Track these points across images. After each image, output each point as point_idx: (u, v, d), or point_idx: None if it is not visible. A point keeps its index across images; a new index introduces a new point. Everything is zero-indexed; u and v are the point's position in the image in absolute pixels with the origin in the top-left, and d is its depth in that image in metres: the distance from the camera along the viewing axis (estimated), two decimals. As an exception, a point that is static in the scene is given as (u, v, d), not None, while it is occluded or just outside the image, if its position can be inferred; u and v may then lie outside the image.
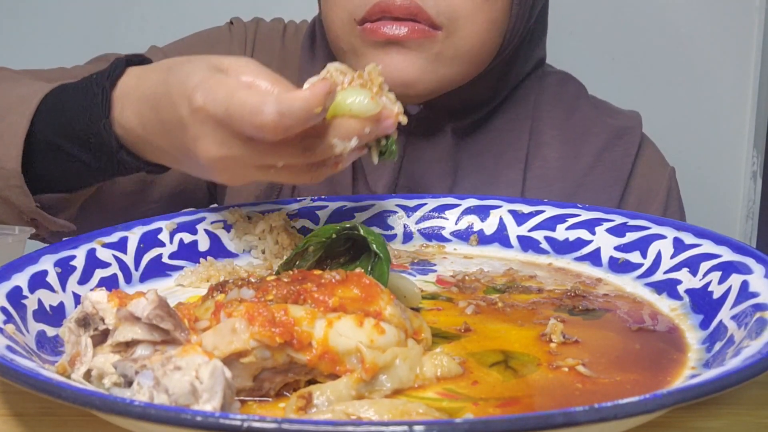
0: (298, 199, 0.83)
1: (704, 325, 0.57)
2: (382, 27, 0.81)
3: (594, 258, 0.73)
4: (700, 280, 0.62)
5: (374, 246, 0.62)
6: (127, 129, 0.71)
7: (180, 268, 0.72)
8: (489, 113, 0.98)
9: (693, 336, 0.56)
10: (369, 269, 0.63)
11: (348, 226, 0.65)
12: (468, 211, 0.82)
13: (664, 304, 0.63)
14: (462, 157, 0.97)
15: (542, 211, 0.79)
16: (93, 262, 0.66)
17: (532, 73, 1.02)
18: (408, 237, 0.81)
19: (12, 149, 0.75)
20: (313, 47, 1.01)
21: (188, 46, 1.05)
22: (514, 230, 0.79)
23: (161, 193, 0.99)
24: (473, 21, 0.84)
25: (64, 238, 0.89)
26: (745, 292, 0.56)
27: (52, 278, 0.61)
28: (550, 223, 0.78)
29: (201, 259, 0.74)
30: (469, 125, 0.97)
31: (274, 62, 1.04)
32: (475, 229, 0.80)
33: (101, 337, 0.49)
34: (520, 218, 0.79)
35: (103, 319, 0.49)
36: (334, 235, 0.65)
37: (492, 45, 0.89)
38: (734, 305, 0.56)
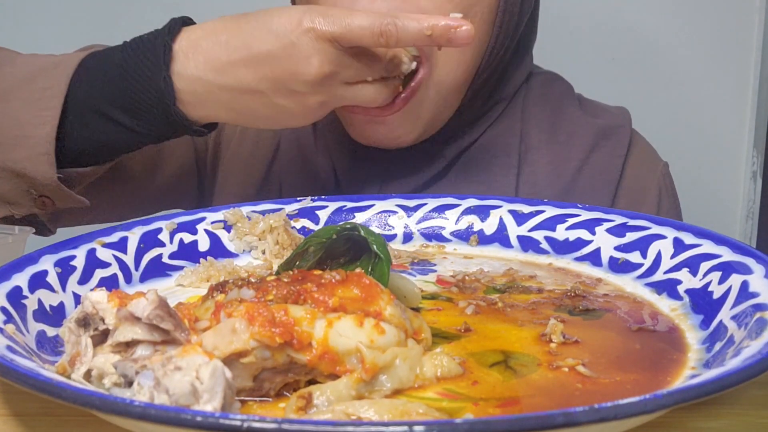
0: (298, 199, 0.83)
1: (704, 325, 0.57)
2: None
3: (594, 258, 0.73)
4: (700, 280, 0.62)
5: (375, 247, 0.62)
6: (191, 79, 0.73)
7: (180, 268, 0.72)
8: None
9: (693, 336, 0.56)
10: (369, 270, 0.63)
11: (348, 226, 0.65)
12: (468, 211, 0.82)
13: (664, 304, 0.63)
14: (453, 167, 0.96)
15: (542, 211, 0.79)
16: (93, 262, 0.66)
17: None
18: (408, 237, 0.81)
19: (47, 113, 0.73)
20: None
21: None
22: (514, 230, 0.79)
23: (153, 191, 0.99)
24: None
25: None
26: (745, 292, 0.56)
27: (52, 278, 0.61)
28: (550, 223, 0.78)
29: (201, 259, 0.74)
30: (462, 146, 0.96)
31: None
32: (475, 229, 0.80)
33: (101, 337, 0.49)
34: (520, 218, 0.79)
35: (103, 319, 0.49)
36: (334, 236, 0.65)
37: (468, 67, 0.88)
38: (734, 305, 0.56)
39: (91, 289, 0.55)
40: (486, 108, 0.97)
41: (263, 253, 0.76)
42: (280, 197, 0.96)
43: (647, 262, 0.68)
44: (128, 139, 0.77)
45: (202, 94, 0.74)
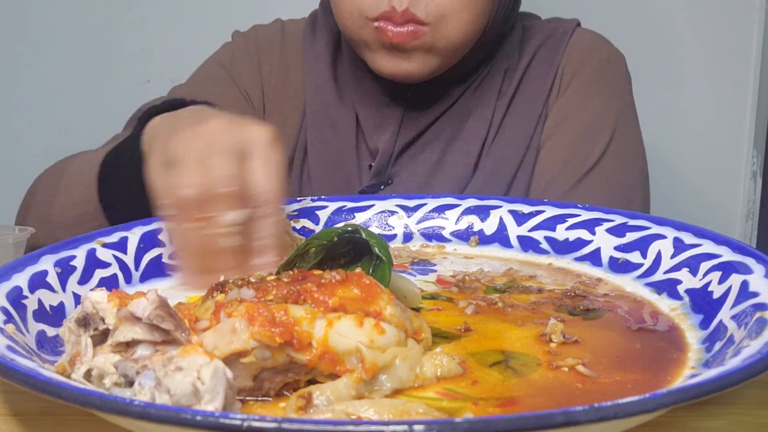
0: (298, 199, 0.83)
1: (704, 324, 0.57)
2: (387, 27, 0.94)
3: (594, 258, 0.73)
4: (700, 280, 0.62)
5: (376, 249, 0.62)
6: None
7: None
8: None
9: (693, 336, 0.56)
10: (370, 272, 0.63)
11: (350, 228, 0.65)
12: (468, 211, 0.82)
13: (664, 304, 0.63)
14: (454, 105, 1.07)
15: (542, 211, 0.79)
16: (93, 262, 0.66)
17: (522, 26, 1.11)
18: (408, 237, 0.81)
19: (88, 190, 0.86)
20: (313, 37, 1.11)
21: (211, 77, 1.12)
22: (514, 230, 0.79)
23: None
24: (459, 18, 0.95)
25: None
26: (745, 292, 0.56)
27: (52, 278, 0.61)
28: (550, 223, 0.78)
29: None
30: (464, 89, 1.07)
31: (275, 63, 1.11)
32: (475, 229, 0.80)
33: (101, 337, 0.49)
34: (520, 218, 0.79)
35: (103, 319, 0.49)
36: (335, 238, 0.65)
37: (476, 32, 0.99)
38: (734, 305, 0.56)
39: (91, 289, 0.55)
40: (481, 57, 1.06)
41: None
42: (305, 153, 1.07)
43: (647, 262, 0.68)
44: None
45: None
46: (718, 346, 0.52)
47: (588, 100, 1.06)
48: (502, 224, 0.80)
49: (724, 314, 0.56)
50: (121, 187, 0.85)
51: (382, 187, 1.04)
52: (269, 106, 1.11)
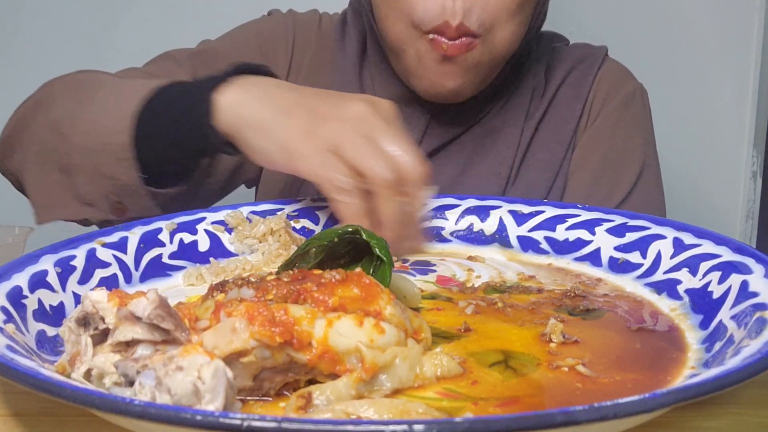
0: (298, 199, 0.83)
1: (704, 324, 0.57)
2: (442, 39, 0.93)
3: (594, 258, 0.73)
4: (700, 280, 0.62)
5: (377, 250, 0.62)
6: (231, 98, 0.76)
7: (180, 268, 0.72)
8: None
9: (693, 336, 0.56)
10: (371, 272, 0.63)
11: (350, 229, 0.65)
12: (468, 211, 0.82)
13: (664, 304, 0.63)
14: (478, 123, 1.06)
15: (542, 212, 0.79)
16: (93, 262, 0.66)
17: (552, 48, 1.12)
18: (408, 237, 0.81)
19: (124, 123, 0.80)
20: (343, 38, 1.10)
21: (242, 41, 1.11)
22: (514, 230, 0.79)
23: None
24: (508, 28, 0.95)
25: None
26: (744, 292, 0.56)
27: (52, 278, 0.61)
28: (550, 224, 0.78)
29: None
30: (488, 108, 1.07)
31: (309, 52, 1.12)
32: (475, 229, 0.80)
33: (101, 337, 0.49)
34: (520, 218, 0.79)
35: (103, 319, 0.49)
36: (336, 239, 0.65)
37: (518, 43, 1.00)
38: (734, 305, 0.56)
39: (91, 289, 0.55)
40: (508, 71, 1.06)
41: (263, 255, 0.76)
42: None
43: (647, 262, 0.68)
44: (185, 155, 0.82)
45: (238, 111, 0.76)
46: (717, 346, 0.52)
47: (616, 132, 1.06)
48: (502, 224, 0.80)
49: (724, 314, 0.56)
50: (163, 133, 0.80)
51: None
52: None
